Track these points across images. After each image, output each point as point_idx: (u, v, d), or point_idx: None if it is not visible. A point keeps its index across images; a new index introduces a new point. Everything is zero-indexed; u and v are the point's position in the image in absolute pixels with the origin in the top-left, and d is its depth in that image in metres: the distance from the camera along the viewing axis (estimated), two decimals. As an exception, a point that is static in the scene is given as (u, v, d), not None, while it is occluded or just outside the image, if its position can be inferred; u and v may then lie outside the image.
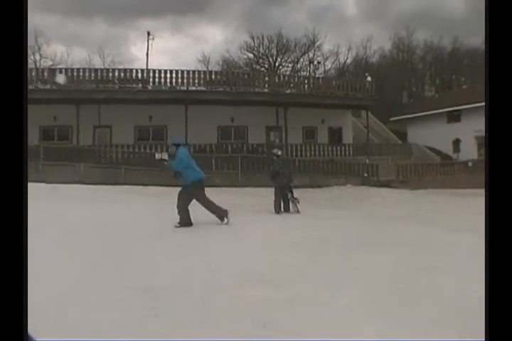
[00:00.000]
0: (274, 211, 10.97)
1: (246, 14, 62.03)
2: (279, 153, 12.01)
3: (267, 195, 12.91)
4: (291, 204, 11.19)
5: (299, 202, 11.12)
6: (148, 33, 41.67)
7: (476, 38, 53.43)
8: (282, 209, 11.13)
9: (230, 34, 61.85)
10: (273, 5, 64.46)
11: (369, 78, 24.78)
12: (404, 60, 51.96)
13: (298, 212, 10.99)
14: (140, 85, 21.99)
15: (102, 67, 34.30)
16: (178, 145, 8.90)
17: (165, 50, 66.24)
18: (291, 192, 11.27)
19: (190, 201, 8.38)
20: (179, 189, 8.65)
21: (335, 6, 62.48)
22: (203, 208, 8.49)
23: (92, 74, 21.94)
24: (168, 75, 22.23)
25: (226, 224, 8.42)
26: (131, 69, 22.93)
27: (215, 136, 24.00)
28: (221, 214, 8.51)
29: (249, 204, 12.39)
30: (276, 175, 11.20)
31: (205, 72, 24.64)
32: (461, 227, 8.27)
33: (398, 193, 18.39)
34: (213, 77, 23.32)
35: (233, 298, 4.22)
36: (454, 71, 51.90)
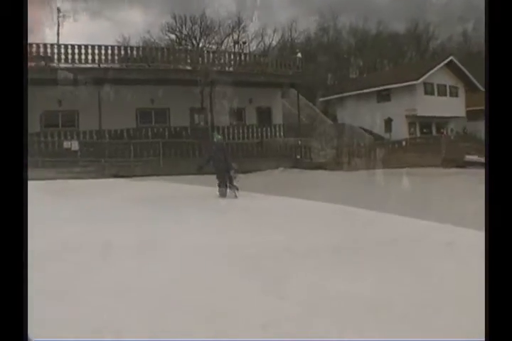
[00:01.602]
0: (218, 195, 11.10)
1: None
2: (219, 136, 13.05)
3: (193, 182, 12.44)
4: (229, 190, 11.28)
5: (237, 190, 11.18)
6: (59, 10, 38.14)
7: (397, 23, 54.19)
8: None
9: (152, 17, 58.48)
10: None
11: (299, 54, 23.28)
12: (328, 42, 51.41)
13: (236, 197, 11.05)
14: (43, 63, 19.18)
15: None
16: None
17: (81, 33, 61.87)
18: (230, 179, 11.26)
19: None
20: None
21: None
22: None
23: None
24: (77, 51, 19.59)
25: None
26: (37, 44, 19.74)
27: (133, 119, 21.61)
28: None
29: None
30: (213, 160, 11.40)
31: (119, 47, 21.95)
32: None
33: (336, 175, 17.16)
34: (129, 52, 20.82)
35: None
36: (378, 54, 52.03)
